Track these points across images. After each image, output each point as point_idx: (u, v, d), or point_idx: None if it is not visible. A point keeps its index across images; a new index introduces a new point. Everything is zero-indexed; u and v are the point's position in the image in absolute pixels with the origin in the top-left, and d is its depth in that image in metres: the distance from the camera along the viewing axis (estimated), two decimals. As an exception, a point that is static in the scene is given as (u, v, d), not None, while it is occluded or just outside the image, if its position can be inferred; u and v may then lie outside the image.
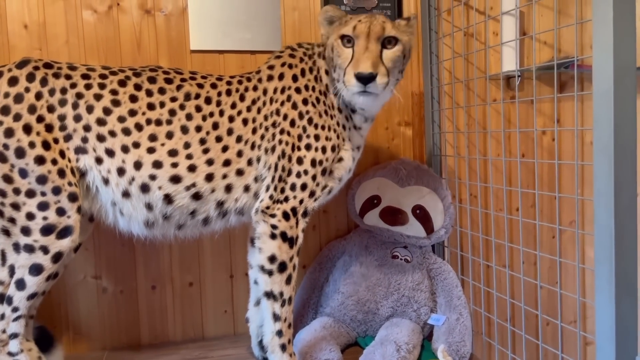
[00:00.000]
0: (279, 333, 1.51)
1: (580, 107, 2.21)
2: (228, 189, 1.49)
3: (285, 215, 1.48)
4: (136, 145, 1.43)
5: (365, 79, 1.39)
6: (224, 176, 1.48)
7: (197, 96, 1.49)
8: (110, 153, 1.42)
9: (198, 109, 1.48)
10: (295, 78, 1.55)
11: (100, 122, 1.41)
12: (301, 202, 1.50)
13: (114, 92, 1.44)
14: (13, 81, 1.36)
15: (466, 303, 1.86)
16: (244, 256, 1.94)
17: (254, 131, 1.51)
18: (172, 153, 1.44)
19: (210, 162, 1.46)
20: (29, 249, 1.35)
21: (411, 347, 1.68)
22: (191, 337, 1.98)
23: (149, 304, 1.94)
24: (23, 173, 1.34)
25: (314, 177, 1.51)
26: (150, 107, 1.45)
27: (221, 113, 1.49)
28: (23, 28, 1.78)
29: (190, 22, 1.90)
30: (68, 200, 1.37)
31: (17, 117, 1.34)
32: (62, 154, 1.38)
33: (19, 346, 1.40)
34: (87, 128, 1.41)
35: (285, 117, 1.51)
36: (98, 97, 1.42)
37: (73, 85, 1.41)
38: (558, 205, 1.97)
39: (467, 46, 2.08)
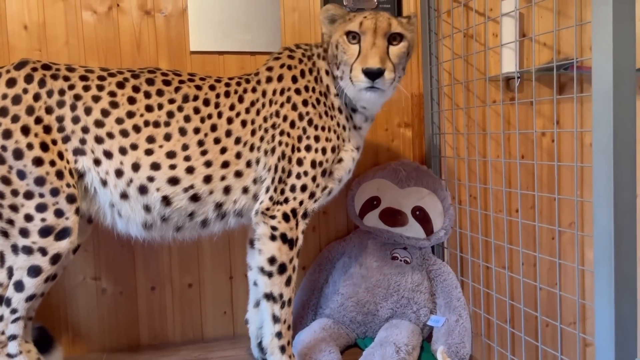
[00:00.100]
0: (279, 335, 1.51)
1: (579, 108, 2.21)
2: (226, 190, 1.49)
3: (285, 217, 1.48)
4: (134, 147, 1.42)
5: (373, 75, 1.39)
6: (223, 178, 1.48)
7: (196, 98, 1.49)
8: (108, 155, 1.42)
9: (196, 110, 1.48)
10: (294, 79, 1.55)
11: (98, 123, 1.41)
12: (301, 203, 1.50)
13: (112, 93, 1.44)
14: (11, 82, 1.36)
15: (466, 304, 1.86)
16: (243, 257, 1.93)
17: (253, 133, 1.51)
18: (170, 155, 1.44)
19: (208, 164, 1.46)
20: (28, 250, 1.35)
21: (410, 348, 1.68)
22: (190, 338, 1.98)
23: (148, 305, 1.93)
24: (21, 174, 1.34)
25: (314, 179, 1.51)
26: (149, 108, 1.45)
27: (219, 115, 1.49)
28: (23, 29, 1.78)
29: (190, 23, 1.90)
30: (66, 201, 1.37)
31: (15, 119, 1.34)
32: (60, 155, 1.38)
33: (18, 348, 1.40)
34: (85, 130, 1.41)
35: (285, 118, 1.51)
36: (96, 98, 1.42)
37: (71, 87, 1.41)
38: (557, 206, 1.97)
39: (467, 47, 2.08)
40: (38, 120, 1.36)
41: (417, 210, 1.94)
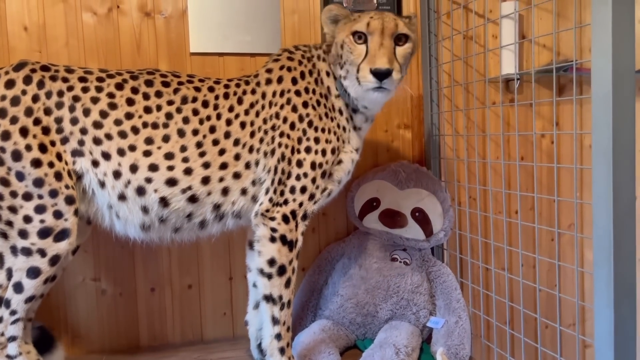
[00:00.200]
0: (278, 336, 1.50)
1: (579, 110, 2.21)
2: (225, 191, 1.49)
3: (285, 218, 1.48)
4: (132, 148, 1.42)
5: (382, 75, 1.40)
6: (221, 179, 1.48)
7: (195, 99, 1.49)
8: (106, 156, 1.42)
9: (195, 112, 1.48)
10: (294, 81, 1.55)
11: (97, 125, 1.41)
12: (301, 205, 1.50)
13: (110, 95, 1.44)
14: (10, 84, 1.36)
15: (465, 306, 1.86)
16: (243, 258, 1.93)
17: (252, 134, 1.51)
18: (169, 156, 1.44)
19: (206, 165, 1.46)
20: (27, 252, 1.35)
21: (410, 349, 1.68)
22: (190, 339, 1.98)
23: (148, 307, 1.93)
24: (20, 176, 1.33)
25: (313, 180, 1.51)
26: (147, 110, 1.45)
27: (218, 116, 1.49)
28: (23, 30, 1.78)
29: (190, 24, 1.90)
30: (65, 203, 1.37)
31: (13, 120, 1.34)
32: (59, 156, 1.38)
33: (18, 349, 1.40)
34: (83, 131, 1.41)
35: (285, 120, 1.51)
36: (95, 100, 1.42)
37: (70, 88, 1.41)
38: (557, 208, 1.97)
39: (467, 49, 2.09)
40: (37, 122, 1.36)
41: (417, 211, 1.94)
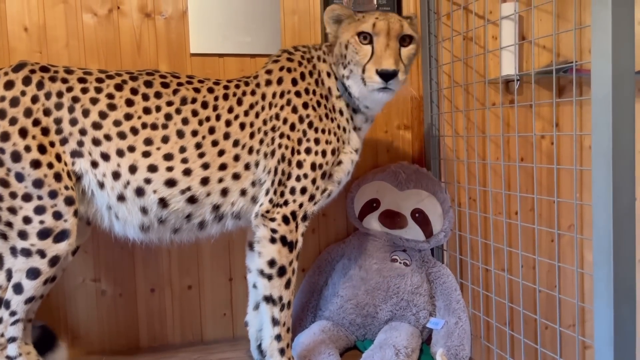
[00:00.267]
0: (278, 337, 1.51)
1: (579, 111, 2.21)
2: (224, 192, 1.49)
3: (285, 219, 1.48)
4: (131, 149, 1.42)
5: (388, 76, 1.41)
6: (220, 180, 1.48)
7: (194, 100, 1.49)
8: (105, 157, 1.42)
9: (194, 113, 1.48)
10: (294, 82, 1.55)
11: (96, 125, 1.41)
12: (301, 205, 1.50)
13: (110, 96, 1.44)
14: (9, 85, 1.36)
15: (465, 307, 1.86)
16: (243, 259, 1.93)
17: (252, 135, 1.51)
18: (168, 157, 1.44)
19: (205, 166, 1.46)
20: (26, 252, 1.35)
21: (410, 350, 1.68)
22: (190, 340, 1.98)
23: (148, 307, 1.93)
24: (19, 177, 1.33)
25: (313, 181, 1.51)
26: (146, 111, 1.45)
27: (218, 117, 1.49)
28: (23, 31, 1.78)
29: (190, 25, 1.90)
30: (65, 204, 1.37)
31: (13, 121, 1.34)
32: (58, 157, 1.38)
33: (17, 350, 1.40)
34: (82, 132, 1.41)
35: (285, 121, 1.51)
36: (94, 100, 1.42)
37: (69, 89, 1.41)
38: (557, 209, 1.97)
39: (467, 50, 2.09)
40: (36, 123, 1.36)
41: (417, 212, 1.94)
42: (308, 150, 1.50)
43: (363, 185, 2.00)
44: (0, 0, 1.75)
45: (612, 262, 1.13)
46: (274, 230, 1.47)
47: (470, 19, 2.04)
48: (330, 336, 1.77)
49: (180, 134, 1.45)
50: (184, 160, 1.45)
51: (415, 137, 2.17)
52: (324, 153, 1.51)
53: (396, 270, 1.89)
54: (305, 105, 1.53)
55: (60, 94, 1.40)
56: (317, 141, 1.51)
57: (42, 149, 1.36)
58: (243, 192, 1.51)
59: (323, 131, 1.52)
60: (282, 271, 1.48)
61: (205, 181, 1.46)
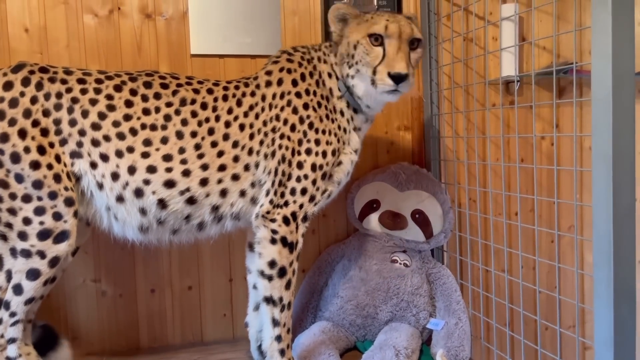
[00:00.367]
0: (278, 338, 1.51)
1: (579, 112, 2.22)
2: (223, 193, 1.49)
3: (286, 220, 1.48)
4: (130, 150, 1.42)
5: (399, 79, 1.43)
6: (219, 181, 1.48)
7: (193, 101, 1.49)
8: (104, 158, 1.42)
9: (194, 114, 1.48)
10: (294, 83, 1.55)
11: (95, 126, 1.41)
12: (301, 206, 1.50)
13: (109, 96, 1.44)
14: (8, 85, 1.36)
15: (465, 307, 1.86)
16: (243, 260, 1.93)
17: (252, 137, 1.51)
18: (167, 158, 1.44)
19: (205, 167, 1.46)
20: (26, 253, 1.35)
21: (410, 351, 1.68)
22: (190, 340, 1.98)
23: (148, 308, 1.93)
24: (19, 178, 1.34)
25: (314, 182, 1.51)
26: (146, 112, 1.45)
27: (217, 118, 1.49)
28: (24, 31, 1.78)
29: (191, 26, 1.90)
30: (64, 204, 1.37)
31: (12, 122, 1.34)
32: (57, 158, 1.38)
33: (17, 350, 1.40)
34: (82, 132, 1.41)
35: (285, 122, 1.51)
36: (93, 101, 1.42)
37: (68, 90, 1.41)
38: (557, 210, 1.97)
39: (467, 51, 2.09)
40: (35, 123, 1.36)
41: (417, 213, 1.94)
42: (308, 151, 1.50)
43: (363, 186, 2.00)
44: (1, 1, 1.75)
45: (612, 263, 1.13)
46: (274, 231, 1.47)
47: (470, 20, 2.04)
48: (330, 337, 1.77)
49: (179, 135, 1.45)
50: (183, 161, 1.45)
51: (415, 137, 2.17)
52: (324, 154, 1.52)
53: (396, 271, 1.89)
54: (305, 106, 1.53)
55: (59, 95, 1.40)
56: (317, 142, 1.51)
57: (41, 150, 1.36)
58: (242, 193, 1.51)
59: (323, 132, 1.52)
60: (282, 272, 1.48)
61: (204, 182, 1.46)
